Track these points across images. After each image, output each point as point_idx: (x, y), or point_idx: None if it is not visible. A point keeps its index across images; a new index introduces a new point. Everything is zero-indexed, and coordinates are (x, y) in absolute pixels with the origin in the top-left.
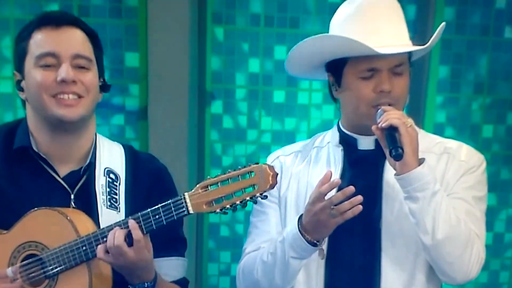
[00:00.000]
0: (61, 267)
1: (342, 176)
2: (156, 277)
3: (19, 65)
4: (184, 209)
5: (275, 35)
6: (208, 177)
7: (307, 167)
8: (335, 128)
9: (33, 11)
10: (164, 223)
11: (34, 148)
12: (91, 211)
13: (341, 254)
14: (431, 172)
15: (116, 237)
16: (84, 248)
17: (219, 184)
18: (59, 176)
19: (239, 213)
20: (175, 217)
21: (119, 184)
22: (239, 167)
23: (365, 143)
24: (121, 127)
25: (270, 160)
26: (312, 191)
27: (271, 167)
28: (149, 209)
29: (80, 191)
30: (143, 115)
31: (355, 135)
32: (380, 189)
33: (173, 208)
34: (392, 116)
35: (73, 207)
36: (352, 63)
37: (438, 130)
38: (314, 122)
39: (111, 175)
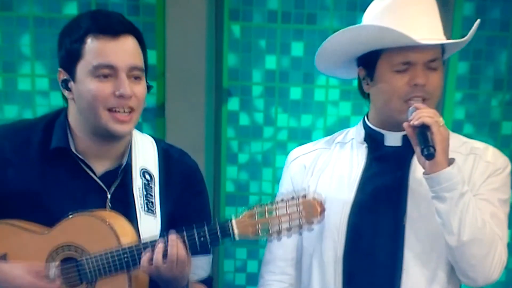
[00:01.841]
0: (100, 273)
1: (365, 173)
2: (188, 283)
3: (69, 66)
4: (230, 235)
5: (292, 31)
6: (256, 205)
7: (328, 164)
8: (360, 125)
9: (52, 9)
10: (209, 245)
11: (72, 148)
12: (129, 214)
13: (360, 251)
14: (460, 172)
15: (179, 251)
16: (125, 258)
17: (266, 214)
18: (95, 175)
19: None
20: (220, 241)
21: (154, 184)
22: (288, 199)
23: (392, 139)
24: (139, 124)
25: (290, 159)
26: (333, 187)
27: (320, 203)
28: (194, 229)
29: (116, 192)
30: (160, 112)
31: (382, 131)
32: (406, 186)
33: (219, 233)
34: (424, 114)
35: (109, 207)
36: (387, 56)
37: (457, 127)
38: (331, 119)
39: (147, 176)
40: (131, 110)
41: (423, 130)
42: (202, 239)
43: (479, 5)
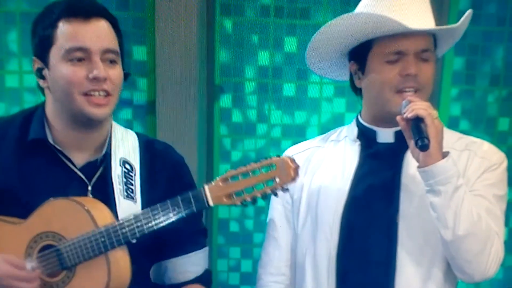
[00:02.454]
0: (79, 258)
1: (358, 171)
2: None
3: (42, 53)
4: (204, 202)
5: (285, 26)
6: (229, 169)
7: (322, 163)
8: (353, 123)
9: (40, 4)
10: (184, 215)
11: (50, 139)
12: (109, 201)
13: (354, 249)
14: (454, 166)
15: None
16: (103, 239)
17: (239, 176)
18: (75, 167)
19: (249, 208)
20: (195, 210)
21: (135, 174)
22: (261, 159)
23: (385, 135)
24: (129, 121)
25: None
26: (326, 186)
27: (293, 160)
28: (168, 201)
29: (97, 183)
30: (151, 109)
31: (374, 127)
32: (398, 183)
33: (193, 201)
34: (418, 106)
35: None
36: (378, 46)
37: (453, 123)
38: (325, 115)
39: (127, 165)
40: (107, 93)
41: (417, 122)
42: (176, 209)
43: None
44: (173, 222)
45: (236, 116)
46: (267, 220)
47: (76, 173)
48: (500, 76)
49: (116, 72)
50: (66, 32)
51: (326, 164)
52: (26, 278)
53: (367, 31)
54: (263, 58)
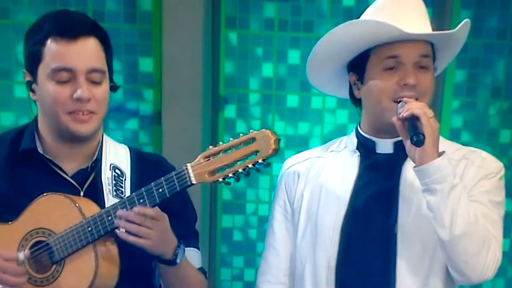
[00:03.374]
0: (67, 251)
1: (357, 182)
2: (180, 242)
3: (31, 68)
4: (187, 179)
5: (289, 39)
6: (210, 146)
7: (321, 173)
8: (353, 133)
9: None
10: (168, 195)
11: (40, 150)
12: (99, 202)
13: (353, 260)
14: (450, 165)
15: (132, 218)
16: (90, 229)
17: (221, 153)
18: (67, 175)
19: (252, 218)
20: (178, 188)
21: (125, 179)
22: (241, 134)
23: (384, 146)
24: (135, 131)
25: (284, 168)
26: (325, 197)
27: (273, 133)
28: (152, 184)
29: (89, 188)
30: (157, 120)
31: (373, 138)
32: (397, 193)
33: (176, 180)
34: (413, 106)
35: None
36: (375, 55)
37: (455, 135)
38: (328, 126)
39: (117, 171)
40: (91, 113)
41: (413, 121)
42: (160, 189)
43: (476, 13)
44: (157, 203)
45: (240, 127)
46: (267, 229)
47: (67, 180)
48: (501, 88)
49: (101, 91)
50: (53, 51)
51: (326, 175)
52: (13, 271)
53: (364, 37)
54: (267, 70)
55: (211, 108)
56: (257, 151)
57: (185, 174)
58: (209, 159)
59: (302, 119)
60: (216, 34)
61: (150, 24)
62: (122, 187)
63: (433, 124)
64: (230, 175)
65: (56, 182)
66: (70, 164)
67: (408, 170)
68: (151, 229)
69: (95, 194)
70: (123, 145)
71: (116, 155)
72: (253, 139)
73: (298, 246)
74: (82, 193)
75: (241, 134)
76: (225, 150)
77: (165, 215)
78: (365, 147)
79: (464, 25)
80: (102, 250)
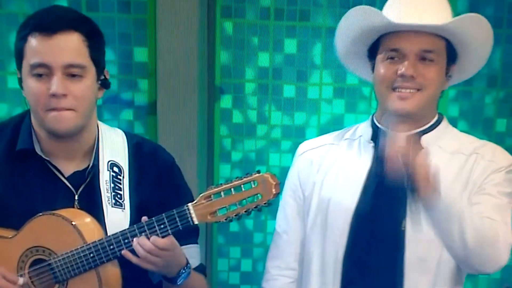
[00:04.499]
0: (70, 273)
1: (370, 175)
2: (188, 262)
3: (18, 65)
4: (189, 219)
5: (285, 28)
6: (211, 186)
7: (335, 162)
8: (368, 122)
9: (42, 6)
10: (170, 232)
11: (38, 149)
12: (96, 210)
13: (360, 254)
14: (450, 195)
15: (143, 245)
16: (91, 255)
17: (222, 194)
18: (63, 176)
19: None
20: (180, 227)
21: (123, 177)
22: (241, 176)
23: (397, 139)
24: (130, 122)
25: (298, 153)
26: (337, 187)
27: (273, 176)
28: (154, 218)
29: (84, 192)
30: (152, 110)
31: (387, 130)
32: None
33: (177, 219)
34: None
35: (77, 207)
36: (382, 44)
37: (451, 124)
38: (325, 117)
39: (115, 168)
40: (69, 110)
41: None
42: (162, 226)
43: (472, 1)
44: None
45: (237, 117)
46: (278, 214)
47: (63, 182)
48: (498, 77)
49: (80, 87)
50: (32, 47)
51: (339, 165)
52: None
53: (363, 26)
54: (263, 59)
55: (207, 98)
56: (258, 194)
57: (186, 214)
58: (211, 199)
59: (298, 109)
60: (211, 24)
61: (144, 14)
62: (120, 189)
63: (424, 175)
64: (232, 216)
65: (52, 184)
66: (66, 164)
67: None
68: (158, 257)
69: (91, 199)
70: (120, 132)
71: (112, 149)
72: (254, 182)
73: (308, 234)
74: (76, 197)
75: (242, 176)
76: (225, 191)
77: (177, 245)
78: (379, 138)
79: (463, 19)
80: (105, 274)
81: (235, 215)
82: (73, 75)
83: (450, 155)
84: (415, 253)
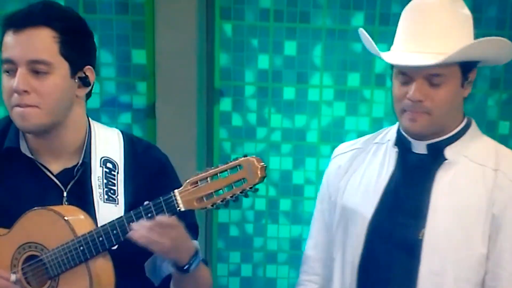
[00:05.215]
0: (61, 268)
1: (391, 181)
2: (197, 249)
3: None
4: (175, 206)
5: (285, 30)
6: (197, 172)
7: (360, 168)
8: (396, 126)
9: None
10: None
11: (23, 148)
12: (87, 206)
13: (375, 262)
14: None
15: (142, 226)
16: (81, 248)
17: (208, 179)
18: (52, 173)
19: (248, 213)
20: (167, 215)
21: (118, 173)
22: (228, 161)
23: (418, 146)
24: (129, 125)
25: (332, 157)
26: (359, 192)
27: (259, 159)
28: (140, 207)
29: (73, 188)
30: (150, 113)
31: (409, 138)
32: (428, 199)
33: (164, 206)
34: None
35: (65, 204)
36: (394, 66)
37: None
38: (325, 119)
39: (108, 165)
40: (32, 106)
41: None
42: (149, 214)
43: (475, 2)
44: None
45: (236, 120)
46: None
47: (52, 180)
48: (500, 79)
49: (45, 83)
50: (4, 43)
51: (364, 169)
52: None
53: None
54: (263, 61)
55: (206, 101)
56: (244, 179)
57: (173, 200)
58: (197, 185)
59: (299, 111)
60: (210, 25)
61: (142, 16)
62: (114, 185)
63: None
64: (219, 202)
65: (40, 182)
66: (54, 162)
67: (442, 177)
68: (163, 237)
69: (81, 195)
70: (115, 130)
71: (106, 145)
72: (239, 166)
73: (332, 240)
74: (65, 194)
75: (228, 161)
76: (211, 176)
77: (180, 225)
78: (403, 144)
79: (472, 47)
80: (96, 269)
81: (221, 201)
82: (38, 72)
83: (479, 166)
84: (430, 266)
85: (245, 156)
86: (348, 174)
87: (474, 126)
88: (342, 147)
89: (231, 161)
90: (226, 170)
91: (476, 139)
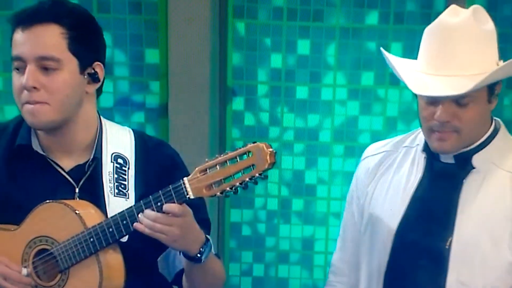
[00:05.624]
0: (71, 261)
1: (419, 188)
2: (208, 238)
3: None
4: (184, 193)
5: (298, 29)
6: (206, 159)
7: (389, 171)
8: None
9: None
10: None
11: (35, 145)
12: (98, 201)
13: (401, 269)
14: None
15: (148, 216)
16: (91, 240)
17: (217, 166)
18: (64, 170)
19: (261, 212)
20: (176, 202)
21: (128, 168)
22: (237, 147)
23: (446, 156)
24: (142, 124)
25: (362, 157)
26: (387, 197)
27: (268, 145)
28: (150, 196)
29: (85, 185)
30: (163, 113)
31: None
32: (455, 207)
33: (173, 194)
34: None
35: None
36: None
37: None
38: (338, 118)
39: (119, 160)
40: (42, 103)
41: None
42: (159, 203)
43: (491, 1)
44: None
45: (249, 119)
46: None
47: (64, 176)
48: None
49: (54, 80)
50: (14, 41)
51: (392, 173)
52: (21, 281)
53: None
54: (276, 60)
55: (219, 100)
56: (253, 165)
57: (182, 188)
58: (206, 173)
59: (311, 111)
60: (223, 24)
61: (156, 15)
62: (124, 180)
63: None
64: (228, 189)
65: (52, 179)
66: (66, 158)
67: (470, 186)
68: (169, 226)
69: (93, 190)
70: (127, 128)
71: (118, 142)
72: (248, 153)
73: (360, 242)
74: (77, 190)
75: (237, 148)
76: (221, 163)
77: (189, 211)
78: (430, 151)
79: (499, 72)
80: (106, 261)
81: (230, 188)
82: (47, 68)
83: (507, 173)
84: (458, 275)
85: (254, 142)
86: (376, 179)
87: (503, 130)
88: (372, 149)
89: (240, 148)
90: (235, 157)
91: (504, 144)
